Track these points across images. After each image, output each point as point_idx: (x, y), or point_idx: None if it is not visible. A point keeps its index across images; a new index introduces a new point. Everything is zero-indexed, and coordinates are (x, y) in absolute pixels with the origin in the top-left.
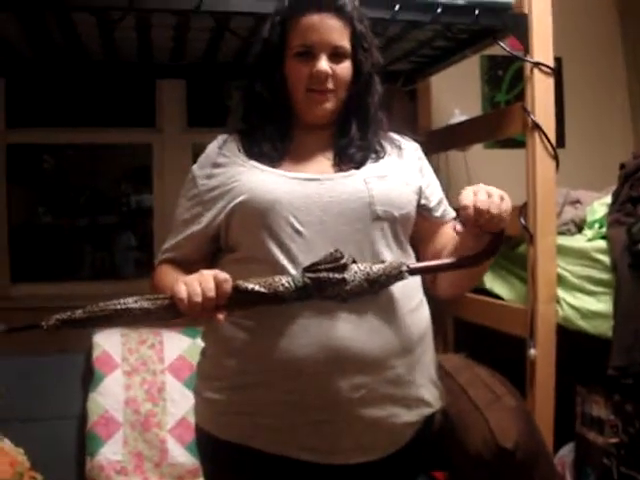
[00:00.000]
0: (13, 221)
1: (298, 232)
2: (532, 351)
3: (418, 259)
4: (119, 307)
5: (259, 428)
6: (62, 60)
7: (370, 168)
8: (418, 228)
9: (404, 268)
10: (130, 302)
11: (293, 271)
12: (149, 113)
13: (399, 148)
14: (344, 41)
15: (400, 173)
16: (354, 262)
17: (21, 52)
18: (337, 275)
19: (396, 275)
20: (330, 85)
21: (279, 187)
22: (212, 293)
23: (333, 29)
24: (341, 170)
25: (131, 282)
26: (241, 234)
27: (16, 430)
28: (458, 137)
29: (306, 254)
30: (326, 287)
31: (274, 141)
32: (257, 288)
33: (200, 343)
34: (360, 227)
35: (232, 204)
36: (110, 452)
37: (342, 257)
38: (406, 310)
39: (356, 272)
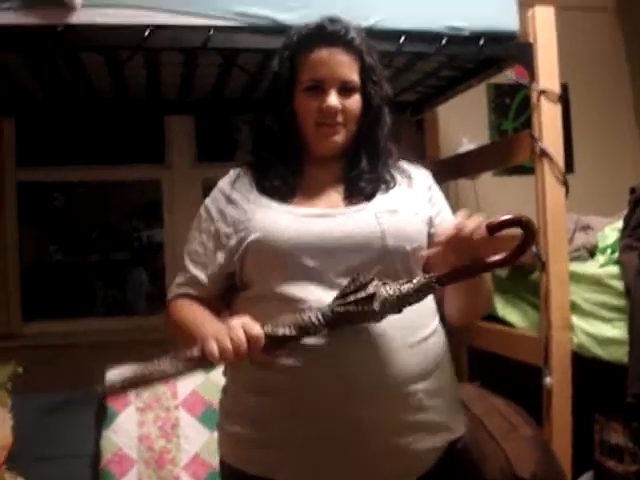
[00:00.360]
0: (25, 260)
1: (309, 268)
2: (548, 379)
3: None
4: (156, 376)
5: (282, 461)
6: (71, 98)
7: (381, 201)
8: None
9: (433, 280)
10: (167, 366)
11: (310, 297)
12: (158, 149)
13: (409, 177)
14: (353, 75)
15: (410, 205)
16: (384, 284)
17: (31, 91)
18: (366, 307)
19: (426, 290)
20: (340, 119)
21: (290, 226)
22: (244, 348)
23: (342, 64)
24: (352, 203)
25: (143, 318)
26: (254, 272)
27: (30, 469)
28: (467, 166)
29: (318, 287)
30: (356, 319)
31: (285, 176)
32: (288, 332)
33: (213, 378)
34: (371, 261)
35: (245, 243)
36: None
37: (369, 282)
38: (422, 337)
39: (386, 298)
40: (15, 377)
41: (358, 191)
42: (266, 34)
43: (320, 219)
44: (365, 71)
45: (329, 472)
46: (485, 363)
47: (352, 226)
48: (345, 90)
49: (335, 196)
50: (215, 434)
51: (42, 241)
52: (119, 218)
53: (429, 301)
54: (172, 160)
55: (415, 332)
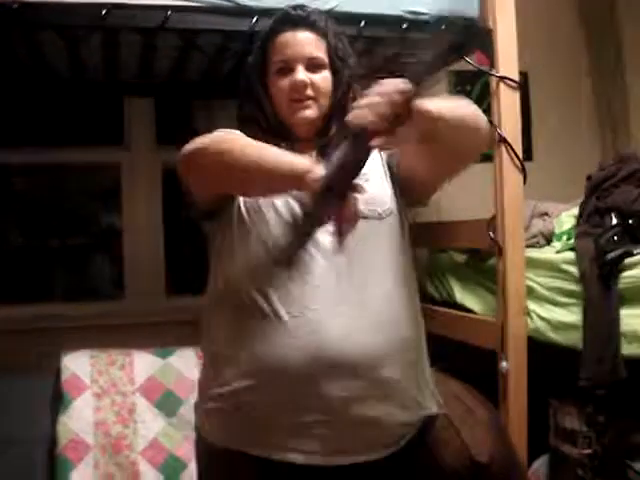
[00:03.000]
0: None
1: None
2: (504, 364)
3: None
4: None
5: (257, 433)
6: (28, 78)
7: None
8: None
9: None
10: None
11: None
12: (118, 131)
13: None
14: (319, 52)
15: (376, 170)
16: None
17: None
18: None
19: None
20: (310, 93)
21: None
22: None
23: (307, 42)
24: None
25: (103, 303)
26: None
27: None
28: None
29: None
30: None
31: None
32: None
33: (171, 363)
34: None
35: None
36: (80, 476)
37: None
38: (396, 312)
39: None
40: None
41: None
42: (226, 15)
43: None
44: (331, 49)
45: (302, 444)
46: (442, 348)
47: None
48: (313, 67)
49: None
50: (173, 419)
51: (0, 225)
52: (79, 202)
53: (406, 277)
54: (131, 142)
55: (390, 308)
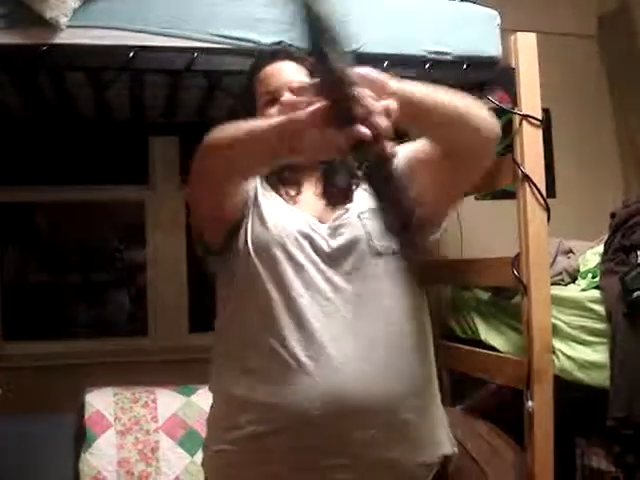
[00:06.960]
0: (4, 280)
1: (299, 264)
2: (530, 403)
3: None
4: None
5: (272, 477)
6: (54, 118)
7: (361, 200)
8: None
9: None
10: None
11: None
12: (142, 170)
13: None
14: (302, 77)
15: None
16: None
17: (12, 110)
18: None
19: None
20: None
21: (288, 220)
22: None
23: (288, 70)
24: (330, 203)
25: (124, 339)
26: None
27: None
28: None
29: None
30: None
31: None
32: None
33: (193, 402)
34: (362, 264)
35: (247, 235)
36: None
37: None
38: (409, 354)
39: None
40: None
41: (332, 185)
42: (251, 56)
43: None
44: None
45: None
46: (467, 387)
47: (338, 231)
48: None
49: (313, 197)
50: (195, 458)
51: (23, 261)
52: (100, 238)
53: (419, 315)
54: (156, 181)
55: (403, 349)
